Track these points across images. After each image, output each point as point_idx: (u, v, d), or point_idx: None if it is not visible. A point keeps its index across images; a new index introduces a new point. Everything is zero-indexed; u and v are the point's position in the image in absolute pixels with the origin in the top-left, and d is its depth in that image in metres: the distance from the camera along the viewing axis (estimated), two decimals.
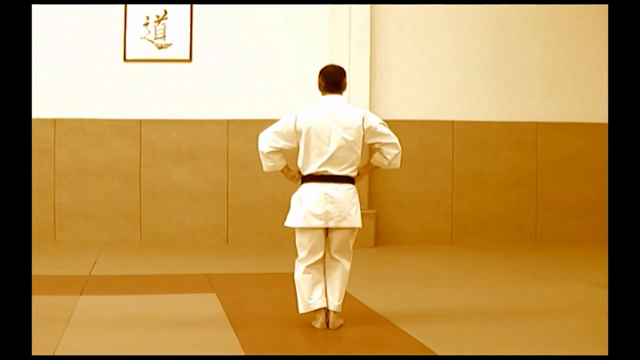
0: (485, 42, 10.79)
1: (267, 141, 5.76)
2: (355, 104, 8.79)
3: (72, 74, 10.28)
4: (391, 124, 6.06)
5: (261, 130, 5.89)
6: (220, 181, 10.49)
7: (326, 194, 5.68)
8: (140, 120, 10.39)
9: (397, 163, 5.85)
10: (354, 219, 5.75)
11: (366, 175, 6.25)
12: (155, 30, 10.31)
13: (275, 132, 5.75)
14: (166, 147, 10.41)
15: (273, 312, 6.36)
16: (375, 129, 5.75)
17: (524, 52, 10.84)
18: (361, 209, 5.86)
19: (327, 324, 5.75)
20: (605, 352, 4.47)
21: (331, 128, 5.69)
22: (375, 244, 10.44)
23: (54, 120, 10.25)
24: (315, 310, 5.76)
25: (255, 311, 6.43)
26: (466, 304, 6.87)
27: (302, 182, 5.80)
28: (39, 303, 5.92)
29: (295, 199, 5.80)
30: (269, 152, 5.77)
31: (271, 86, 10.49)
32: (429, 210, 10.76)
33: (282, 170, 5.91)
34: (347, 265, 5.83)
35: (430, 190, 10.74)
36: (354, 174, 5.79)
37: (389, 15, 10.58)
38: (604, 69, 10.32)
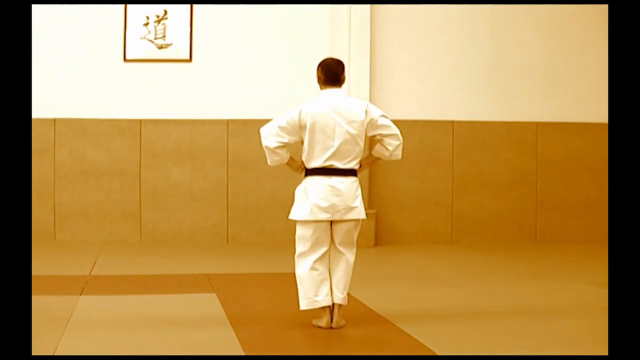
0: (486, 42, 10.78)
1: (272, 136, 5.75)
2: None
3: (72, 73, 10.27)
4: None
5: None
6: (220, 181, 10.48)
7: (332, 187, 5.69)
8: (140, 120, 10.39)
9: (398, 154, 5.86)
10: (360, 211, 5.77)
11: (367, 167, 6.26)
12: (155, 30, 10.31)
13: (279, 127, 5.74)
14: (166, 147, 10.41)
15: (273, 312, 6.35)
16: (377, 121, 5.77)
17: (524, 52, 10.83)
18: None
19: (331, 321, 5.74)
20: (605, 352, 4.47)
21: (335, 122, 5.70)
22: (375, 244, 10.43)
23: (54, 120, 10.25)
24: (320, 308, 5.75)
25: (255, 311, 6.43)
26: (466, 304, 6.87)
27: (306, 175, 5.80)
28: (39, 303, 5.91)
29: (299, 192, 5.80)
30: (275, 147, 5.77)
31: (271, 86, 10.49)
32: (428, 210, 10.76)
33: (287, 163, 5.91)
34: (351, 258, 5.84)
35: (430, 190, 10.74)
36: (357, 167, 5.81)
37: (389, 15, 10.58)
38: (604, 69, 10.32)
